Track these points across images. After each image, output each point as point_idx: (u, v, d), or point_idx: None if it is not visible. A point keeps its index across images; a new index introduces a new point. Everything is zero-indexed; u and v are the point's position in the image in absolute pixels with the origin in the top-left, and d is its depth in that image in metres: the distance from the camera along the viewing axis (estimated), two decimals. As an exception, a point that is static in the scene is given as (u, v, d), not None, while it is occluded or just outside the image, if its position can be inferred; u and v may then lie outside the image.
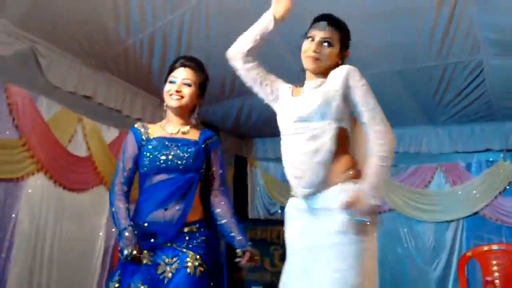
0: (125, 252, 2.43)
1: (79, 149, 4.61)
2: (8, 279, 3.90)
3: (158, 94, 5.28)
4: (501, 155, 5.76)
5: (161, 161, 2.61)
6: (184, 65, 2.76)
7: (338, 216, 2.10)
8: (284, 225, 2.45)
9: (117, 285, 2.53)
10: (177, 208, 2.57)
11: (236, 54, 2.65)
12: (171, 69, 2.77)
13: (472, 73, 4.57)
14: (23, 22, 3.92)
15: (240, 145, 7.08)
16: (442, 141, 5.86)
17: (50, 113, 4.33)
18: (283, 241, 6.12)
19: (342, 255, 2.07)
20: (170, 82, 2.72)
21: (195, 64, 2.81)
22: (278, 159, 7.06)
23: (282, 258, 5.73)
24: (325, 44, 2.32)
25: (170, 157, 2.62)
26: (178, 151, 2.64)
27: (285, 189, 6.79)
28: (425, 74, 4.58)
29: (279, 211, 6.90)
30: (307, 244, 2.22)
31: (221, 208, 2.77)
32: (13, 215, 3.99)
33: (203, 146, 2.71)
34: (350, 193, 2.07)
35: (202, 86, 2.81)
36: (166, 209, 2.56)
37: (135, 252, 2.45)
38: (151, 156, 2.62)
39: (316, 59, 2.32)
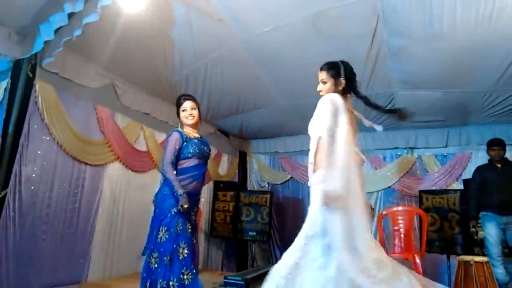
0: (186, 205, 2.53)
1: (141, 146, 4.61)
2: (96, 227, 3.94)
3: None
4: (405, 150, 5.78)
5: (197, 151, 2.72)
6: (187, 99, 2.84)
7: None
8: None
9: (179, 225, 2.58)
10: (200, 183, 2.72)
11: None
12: (179, 104, 2.84)
13: (386, 100, 4.55)
14: (106, 64, 3.94)
15: (242, 144, 7.08)
16: (368, 142, 5.85)
17: (123, 124, 4.33)
18: (269, 204, 6.04)
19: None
20: (183, 110, 2.82)
21: (191, 97, 2.90)
22: (266, 153, 6.96)
23: (268, 214, 5.76)
24: (321, 82, 2.30)
25: (201, 149, 2.74)
26: (203, 146, 2.77)
27: (271, 171, 6.85)
28: (355, 101, 4.56)
29: (266, 185, 6.92)
30: None
31: None
32: (100, 188, 4.02)
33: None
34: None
35: (199, 109, 2.88)
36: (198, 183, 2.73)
37: (188, 205, 2.56)
38: (195, 148, 2.71)
39: (320, 92, 2.29)
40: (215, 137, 6.16)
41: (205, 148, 2.79)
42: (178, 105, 2.84)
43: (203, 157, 2.76)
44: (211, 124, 6.00)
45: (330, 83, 2.28)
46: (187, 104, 2.82)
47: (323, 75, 2.29)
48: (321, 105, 2.15)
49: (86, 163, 3.83)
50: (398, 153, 5.86)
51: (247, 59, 3.90)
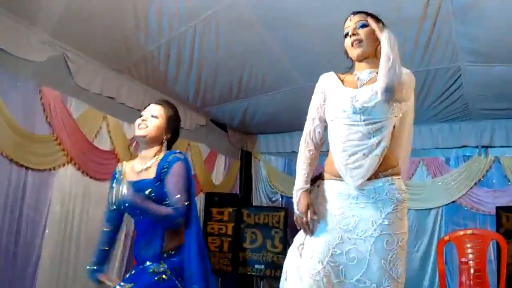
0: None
1: (103, 144, 4.65)
2: (42, 254, 3.96)
3: (173, 96, 5.34)
4: (476, 150, 5.77)
5: (128, 206, 2.34)
6: (153, 103, 2.62)
7: (387, 208, 2.07)
8: (319, 201, 2.22)
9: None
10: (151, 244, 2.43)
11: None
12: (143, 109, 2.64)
13: (450, 78, 4.58)
14: (54, 31, 3.96)
15: (245, 140, 7.10)
16: (424, 138, 5.87)
17: (78, 112, 4.35)
18: (283, 225, 6.14)
19: (389, 247, 2.04)
20: (140, 116, 2.58)
21: (163, 102, 2.64)
22: (279, 153, 7.04)
23: (282, 240, 5.81)
24: (360, 26, 2.19)
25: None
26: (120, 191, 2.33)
27: (284, 179, 6.87)
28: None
29: (280, 199, 6.94)
30: (345, 226, 2.10)
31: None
32: (47, 201, 4.05)
33: (158, 180, 2.40)
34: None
35: (170, 121, 2.58)
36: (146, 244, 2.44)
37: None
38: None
39: (358, 42, 2.18)
40: (206, 131, 6.19)
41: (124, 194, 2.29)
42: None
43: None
44: (201, 113, 6.02)
45: (371, 29, 2.18)
46: (148, 108, 2.60)
47: (361, 17, 2.23)
48: (406, 74, 2.16)
49: (27, 167, 3.85)
50: (467, 154, 5.86)
51: (252, 20, 3.90)
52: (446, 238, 4.84)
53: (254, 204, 6.97)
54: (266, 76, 4.92)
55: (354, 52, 2.21)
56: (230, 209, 6.07)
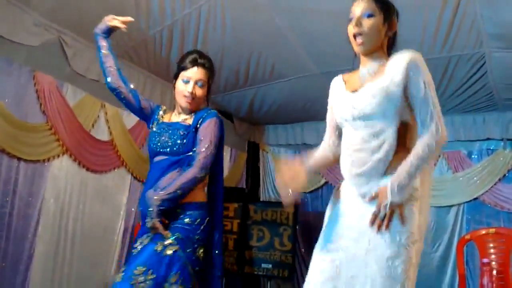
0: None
1: (101, 133, 4.65)
2: (35, 253, 3.98)
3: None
4: (501, 143, 5.72)
5: (154, 145, 2.68)
6: (197, 64, 2.70)
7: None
8: (333, 201, 2.32)
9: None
10: (162, 188, 2.53)
11: (334, 165, 2.46)
12: (184, 67, 2.72)
13: (474, 65, 4.53)
14: (49, 13, 3.95)
15: (252, 131, 7.09)
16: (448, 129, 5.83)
17: (75, 99, 4.36)
18: (293, 222, 6.15)
19: (389, 242, 2.01)
20: (184, 81, 2.70)
21: (208, 62, 2.76)
22: (289, 145, 7.08)
23: (291, 238, 5.81)
24: (365, 16, 2.11)
25: (161, 140, 2.67)
26: (168, 134, 2.67)
27: (295, 173, 6.84)
28: (429, 66, 4.50)
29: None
30: (349, 222, 2.14)
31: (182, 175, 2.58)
32: (40, 194, 4.05)
33: (194, 128, 2.66)
34: (379, 187, 2.02)
35: (210, 83, 2.80)
36: (155, 190, 2.52)
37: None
38: (150, 140, 2.72)
39: (360, 35, 2.11)
40: (212, 120, 6.17)
41: (171, 136, 2.67)
42: (181, 67, 2.73)
43: (167, 152, 2.66)
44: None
45: (380, 19, 2.13)
46: (194, 73, 2.70)
47: (369, 5, 2.15)
48: (420, 66, 2.10)
49: (19, 158, 3.87)
50: (491, 148, 5.83)
51: (261, 3, 3.88)
52: (467, 237, 4.83)
53: (261, 200, 6.97)
54: (276, 63, 4.90)
55: (355, 47, 2.17)
56: (236, 205, 6.07)
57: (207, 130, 2.63)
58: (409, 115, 2.11)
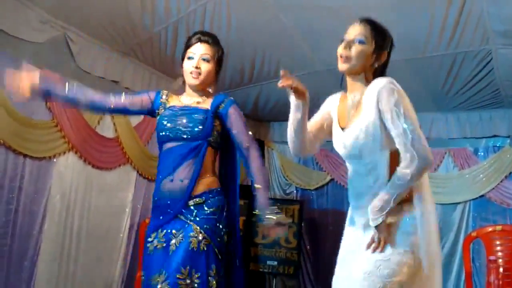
0: None
1: (106, 131, 4.66)
2: (41, 249, 3.99)
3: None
4: (508, 140, 5.70)
5: (168, 130, 2.58)
6: (201, 40, 2.65)
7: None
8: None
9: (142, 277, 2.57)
10: (182, 179, 2.52)
11: (303, 153, 2.52)
12: (188, 45, 2.68)
13: (481, 62, 4.51)
14: (55, 10, 3.96)
15: (257, 128, 7.08)
16: (451, 127, 5.82)
17: (81, 97, 4.37)
18: (298, 219, 6.14)
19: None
20: (189, 58, 2.64)
21: (212, 39, 2.70)
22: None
23: (296, 235, 5.81)
24: (357, 41, 2.11)
25: (177, 125, 2.58)
26: (185, 119, 2.58)
27: (300, 171, 6.86)
28: (435, 63, 4.54)
29: (294, 191, 6.94)
30: (348, 250, 2.21)
31: (252, 163, 2.73)
32: (46, 191, 4.07)
33: (212, 113, 2.61)
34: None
35: (219, 61, 2.71)
36: (172, 180, 2.52)
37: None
38: (161, 126, 2.60)
39: (346, 58, 2.11)
40: (217, 117, 6.18)
41: (189, 121, 2.58)
42: (187, 46, 2.69)
43: (183, 138, 2.58)
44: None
45: (370, 48, 2.13)
46: (198, 49, 2.65)
47: (363, 30, 2.15)
48: (388, 94, 2.01)
49: (25, 155, 3.88)
50: (497, 145, 5.82)
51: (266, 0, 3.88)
52: (474, 234, 4.82)
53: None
54: (281, 60, 4.90)
55: (339, 65, 2.16)
56: (241, 202, 6.05)
57: (238, 117, 2.68)
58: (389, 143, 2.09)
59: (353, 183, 2.22)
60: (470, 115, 5.80)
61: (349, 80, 2.20)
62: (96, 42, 4.48)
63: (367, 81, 2.14)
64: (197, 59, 2.62)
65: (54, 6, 3.91)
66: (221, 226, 2.57)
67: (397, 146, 1.99)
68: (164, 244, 2.48)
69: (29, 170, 3.93)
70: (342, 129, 2.21)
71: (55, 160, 4.15)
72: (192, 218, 2.48)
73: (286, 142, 7.57)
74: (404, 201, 2.07)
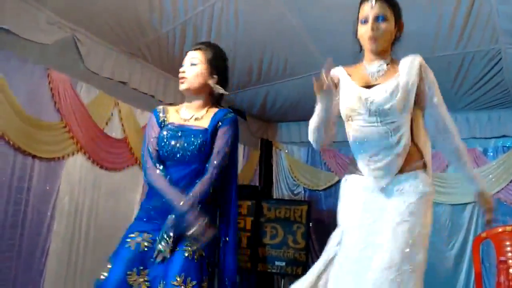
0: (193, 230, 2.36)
1: (115, 131, 4.67)
2: (49, 250, 4.00)
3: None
4: (518, 141, 5.70)
5: (169, 150, 2.53)
6: (192, 49, 2.66)
7: (411, 198, 2.16)
8: (341, 199, 2.42)
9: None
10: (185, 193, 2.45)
11: (328, 141, 2.46)
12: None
13: (490, 62, 4.49)
14: (63, 11, 3.97)
15: (265, 129, 7.09)
16: (460, 127, 5.71)
17: (89, 98, 4.37)
18: (306, 219, 6.13)
19: (410, 232, 2.10)
20: (181, 67, 2.64)
21: (204, 45, 2.68)
22: (302, 142, 7.05)
23: (304, 236, 5.81)
24: (380, 19, 2.24)
25: (177, 146, 2.52)
26: (184, 141, 2.52)
27: (308, 171, 6.85)
28: (444, 62, 4.52)
29: (302, 191, 6.93)
30: (371, 218, 2.21)
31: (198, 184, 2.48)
32: (54, 192, 4.08)
33: (211, 132, 2.53)
34: (489, 198, 2.38)
35: (213, 62, 2.62)
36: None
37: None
38: (161, 144, 2.55)
39: (376, 38, 2.24)
40: (225, 118, 6.17)
41: (187, 144, 2.52)
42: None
43: (182, 160, 2.53)
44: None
45: (392, 22, 2.28)
46: (187, 58, 2.65)
47: (383, 9, 2.26)
48: (423, 64, 2.29)
49: (34, 156, 3.89)
50: (507, 145, 5.79)
51: (273, -1, 3.88)
52: (483, 235, 4.79)
53: (274, 197, 6.97)
54: (289, 60, 4.89)
55: (369, 46, 2.28)
56: (249, 202, 6.07)
57: (223, 141, 2.54)
58: (412, 110, 2.25)
59: (370, 145, 2.24)
60: (479, 115, 5.78)
61: (372, 56, 2.33)
62: (104, 43, 4.49)
63: (391, 50, 2.34)
64: (185, 66, 2.62)
65: (62, 8, 3.92)
66: (211, 242, 2.53)
67: (434, 114, 2.27)
68: (151, 245, 2.45)
69: (38, 171, 3.93)
70: (367, 87, 2.26)
71: (63, 161, 4.15)
72: (165, 236, 2.43)
73: (294, 143, 7.61)
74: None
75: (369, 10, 2.25)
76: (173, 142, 2.52)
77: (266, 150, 7.19)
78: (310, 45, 4.57)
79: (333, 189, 6.66)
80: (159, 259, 2.39)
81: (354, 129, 2.29)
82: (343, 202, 2.39)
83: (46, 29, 3.95)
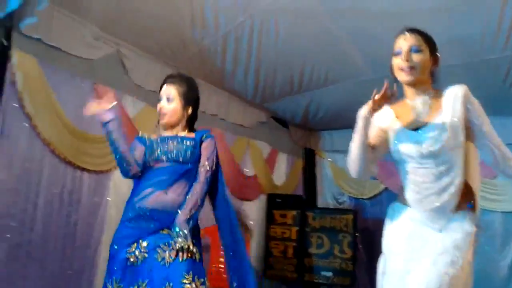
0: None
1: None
2: (99, 260, 4.06)
3: (231, 92, 5.39)
4: None
5: (160, 152, 2.69)
6: (167, 82, 2.81)
7: (457, 235, 2.16)
8: (386, 227, 2.44)
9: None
10: (178, 194, 2.63)
11: (367, 173, 2.50)
12: (161, 87, 2.83)
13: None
14: (108, 27, 4.07)
15: (308, 137, 7.06)
16: (509, 132, 5.62)
17: (135, 111, 4.47)
18: (352, 229, 6.09)
19: (452, 263, 2.11)
20: (158, 101, 2.79)
21: (178, 78, 2.85)
22: (345, 151, 7.00)
23: (351, 245, 5.74)
24: (413, 50, 2.24)
25: (168, 148, 2.69)
26: (176, 143, 2.70)
27: (353, 180, 6.77)
28: (492, 66, 4.41)
29: (347, 200, 6.86)
30: (413, 247, 2.22)
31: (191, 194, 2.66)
32: (103, 204, 4.17)
33: (199, 143, 2.74)
34: None
35: (186, 95, 2.79)
36: (166, 193, 2.61)
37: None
38: (151, 149, 2.71)
39: (411, 68, 2.22)
40: (267, 128, 6.18)
41: (179, 146, 2.72)
42: (160, 88, 2.87)
43: (176, 160, 2.71)
44: (262, 109, 6.03)
45: (427, 54, 2.26)
46: (164, 90, 2.80)
47: (417, 40, 2.27)
48: (470, 94, 2.24)
49: (83, 169, 3.99)
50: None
51: (314, 8, 3.87)
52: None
53: (319, 206, 6.93)
54: (330, 68, 4.87)
55: (403, 78, 2.26)
56: (294, 212, 6.05)
57: (210, 150, 2.76)
58: (464, 144, 2.24)
59: (424, 188, 2.24)
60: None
61: (412, 91, 2.30)
62: (148, 56, 4.57)
63: (430, 86, 2.30)
64: (162, 101, 2.77)
65: (107, 23, 4.02)
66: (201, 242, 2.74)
67: (487, 144, 2.23)
68: (146, 255, 2.55)
69: (87, 184, 4.03)
70: (415, 130, 2.26)
71: (111, 173, 4.23)
72: (181, 233, 2.54)
73: (337, 151, 7.57)
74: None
75: (403, 41, 2.27)
76: (164, 145, 2.71)
77: (309, 159, 7.16)
78: (352, 53, 4.53)
79: (379, 198, 6.58)
80: (184, 256, 2.51)
81: (407, 169, 2.32)
82: (388, 230, 2.40)
83: (91, 45, 4.05)
